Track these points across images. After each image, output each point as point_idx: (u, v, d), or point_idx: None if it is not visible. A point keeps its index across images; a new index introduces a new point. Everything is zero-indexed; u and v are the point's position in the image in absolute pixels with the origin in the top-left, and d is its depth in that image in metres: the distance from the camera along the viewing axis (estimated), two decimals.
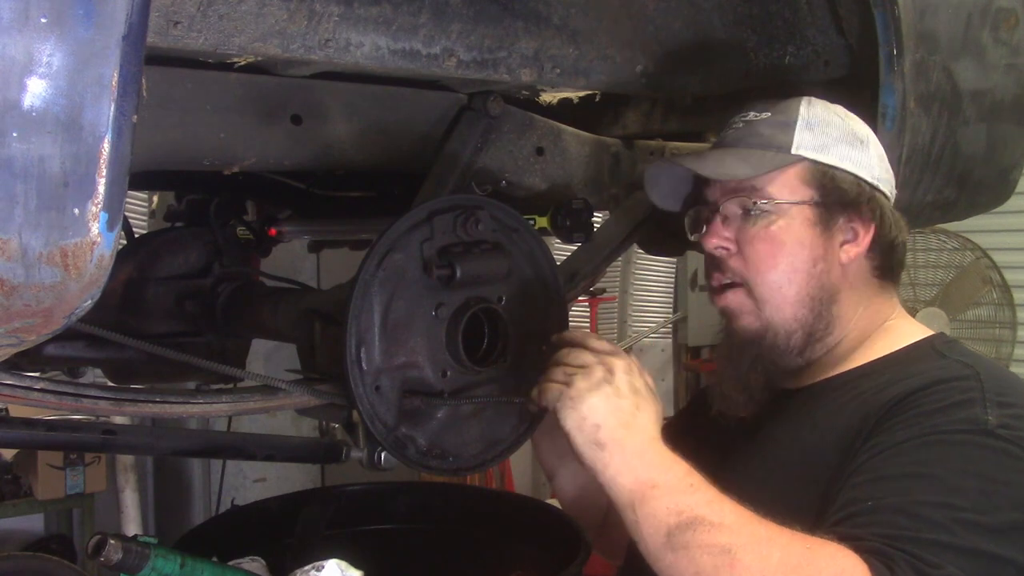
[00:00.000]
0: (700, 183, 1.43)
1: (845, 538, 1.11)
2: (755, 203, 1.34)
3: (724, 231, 1.37)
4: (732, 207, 1.37)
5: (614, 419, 1.22)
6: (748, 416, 1.42)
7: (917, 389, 1.24)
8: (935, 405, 1.21)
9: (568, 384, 1.25)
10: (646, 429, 1.23)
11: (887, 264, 1.40)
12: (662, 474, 1.18)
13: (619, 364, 1.27)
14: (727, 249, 1.37)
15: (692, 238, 1.45)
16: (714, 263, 1.40)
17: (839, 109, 1.42)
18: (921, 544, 1.08)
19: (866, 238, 1.37)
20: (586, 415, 1.22)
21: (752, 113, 1.41)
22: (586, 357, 1.29)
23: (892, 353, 1.36)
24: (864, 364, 1.37)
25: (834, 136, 1.38)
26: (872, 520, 1.12)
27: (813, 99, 1.41)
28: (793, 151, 1.35)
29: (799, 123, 1.37)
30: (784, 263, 1.34)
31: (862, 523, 1.13)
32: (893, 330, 1.40)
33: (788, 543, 1.10)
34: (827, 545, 1.09)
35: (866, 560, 1.07)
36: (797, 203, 1.34)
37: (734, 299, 1.38)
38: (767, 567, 1.08)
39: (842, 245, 1.36)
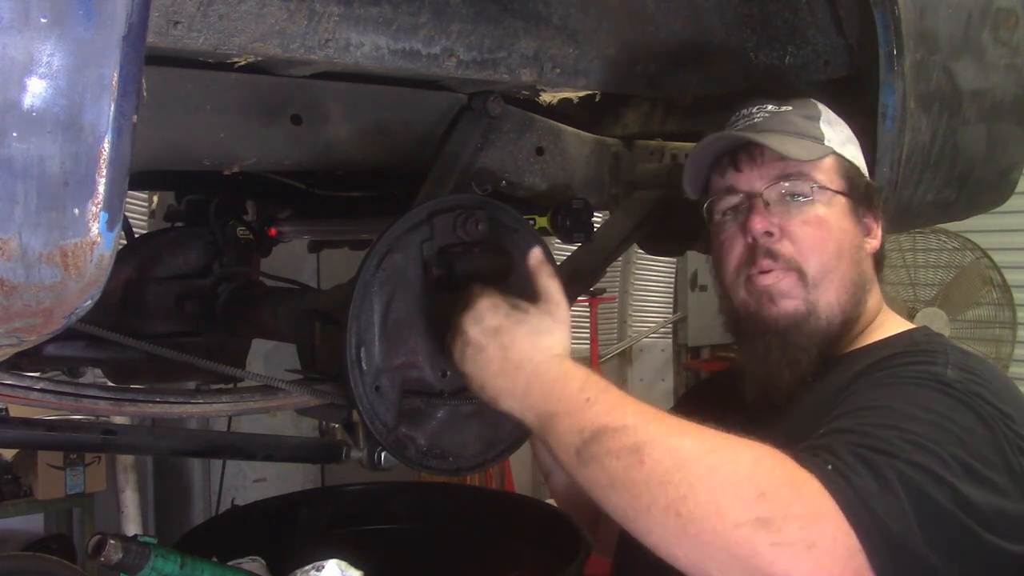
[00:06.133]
0: (721, 172, 1.42)
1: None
2: (812, 187, 1.35)
3: (769, 216, 1.36)
4: (779, 191, 1.36)
5: (487, 374, 1.21)
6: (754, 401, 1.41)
7: (884, 358, 1.28)
8: (898, 363, 1.25)
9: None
10: (521, 363, 1.20)
11: (880, 262, 1.45)
12: (554, 403, 1.17)
13: (467, 318, 1.24)
14: (772, 234, 1.36)
15: (714, 224, 1.43)
16: (759, 249, 1.37)
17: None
18: (865, 448, 1.07)
19: (879, 234, 1.43)
20: (473, 382, 1.23)
21: (770, 105, 1.42)
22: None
23: (877, 341, 1.38)
24: (855, 350, 1.38)
25: (846, 135, 1.43)
26: (818, 439, 1.12)
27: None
28: (825, 143, 1.38)
29: (822, 118, 1.41)
30: (832, 247, 1.36)
31: (808, 444, 1.11)
32: (883, 324, 1.43)
33: (701, 432, 1.08)
34: (745, 440, 1.07)
35: (792, 453, 1.06)
36: (839, 192, 1.38)
37: (785, 281, 1.36)
38: (679, 456, 1.05)
39: (864, 238, 1.41)
